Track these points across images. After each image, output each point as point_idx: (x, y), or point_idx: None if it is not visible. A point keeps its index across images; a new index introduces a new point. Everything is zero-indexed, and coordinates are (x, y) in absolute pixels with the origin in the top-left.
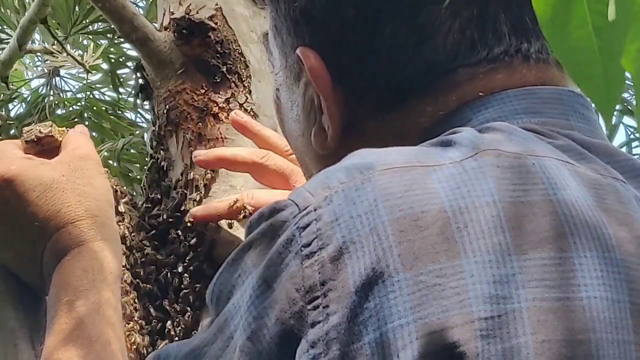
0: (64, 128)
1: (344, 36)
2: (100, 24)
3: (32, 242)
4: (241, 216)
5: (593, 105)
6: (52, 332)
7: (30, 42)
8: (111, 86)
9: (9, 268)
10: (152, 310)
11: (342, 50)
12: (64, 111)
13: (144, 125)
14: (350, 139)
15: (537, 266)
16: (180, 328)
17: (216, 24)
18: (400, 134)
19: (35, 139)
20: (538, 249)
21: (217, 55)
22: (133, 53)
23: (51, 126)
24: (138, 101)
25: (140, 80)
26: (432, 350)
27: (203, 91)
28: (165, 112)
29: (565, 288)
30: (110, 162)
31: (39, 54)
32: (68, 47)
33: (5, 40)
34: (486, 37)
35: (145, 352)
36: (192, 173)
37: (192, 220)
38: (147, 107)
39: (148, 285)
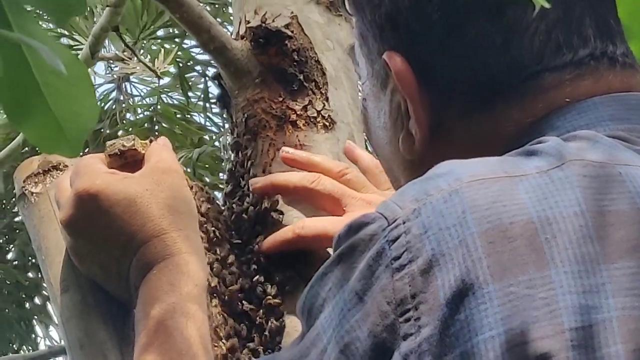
0: (147, 141)
1: (429, 39)
2: (167, 28)
3: (118, 256)
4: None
5: None
6: (140, 345)
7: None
8: (179, 90)
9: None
10: (238, 320)
11: (428, 53)
12: (134, 116)
13: (213, 128)
14: (438, 143)
15: (626, 275)
16: (264, 336)
17: (292, 32)
18: (488, 139)
19: (119, 153)
20: (627, 258)
21: (294, 63)
22: (201, 57)
23: (134, 139)
24: (207, 105)
25: (218, 89)
26: None
27: (281, 99)
28: (243, 120)
29: None
30: (186, 168)
31: (109, 61)
32: (137, 53)
33: (76, 47)
34: (571, 39)
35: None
36: None
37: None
38: (215, 110)
39: (234, 294)
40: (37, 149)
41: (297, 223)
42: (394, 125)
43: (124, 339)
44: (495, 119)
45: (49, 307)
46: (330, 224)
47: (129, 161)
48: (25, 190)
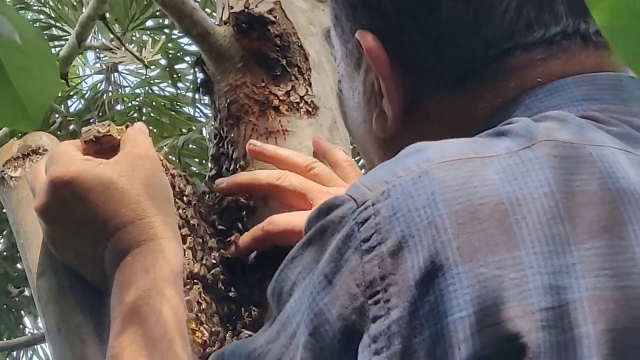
0: (122, 127)
1: (400, 17)
2: (157, 19)
3: (93, 243)
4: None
5: None
6: (115, 332)
7: (88, 39)
8: (169, 81)
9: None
10: (218, 303)
11: (399, 31)
12: (123, 107)
13: (203, 119)
14: (411, 123)
15: (597, 255)
16: (247, 320)
17: (275, 17)
18: (460, 119)
19: (94, 139)
20: (597, 238)
21: (277, 48)
22: (191, 48)
23: (109, 125)
24: (197, 96)
25: (201, 75)
26: (494, 342)
27: (263, 84)
28: (226, 105)
29: (625, 277)
30: (171, 157)
31: (97, 50)
32: (125, 43)
33: (64, 37)
34: (543, 16)
35: (212, 345)
36: (253, 167)
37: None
38: (205, 101)
39: (214, 279)
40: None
41: (266, 220)
42: (368, 104)
43: (101, 325)
44: (468, 99)
45: None
46: (298, 219)
47: (105, 147)
48: (5, 174)
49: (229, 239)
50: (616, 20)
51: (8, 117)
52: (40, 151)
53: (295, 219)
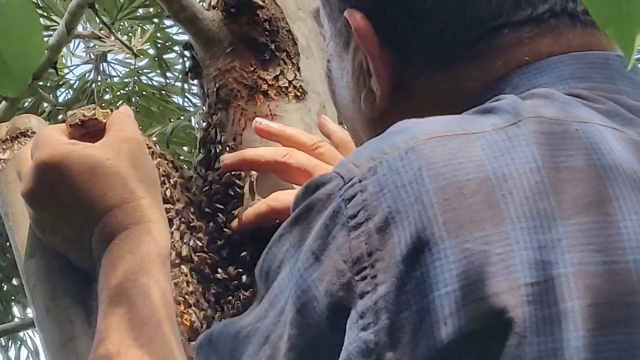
0: (108, 110)
1: None
2: (146, 8)
3: (80, 227)
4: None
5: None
6: (103, 316)
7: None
8: (158, 71)
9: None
10: (206, 286)
11: (387, 9)
12: (112, 96)
13: (192, 109)
14: (399, 101)
15: (582, 230)
16: (236, 303)
17: (264, 1)
18: (449, 97)
19: (79, 123)
20: (583, 214)
21: (266, 33)
22: (179, 37)
23: (94, 109)
24: (185, 85)
25: (190, 60)
26: (480, 317)
27: (252, 69)
28: (215, 90)
29: (611, 252)
30: (161, 145)
31: (86, 39)
32: (115, 32)
33: (52, 27)
34: None
35: (201, 327)
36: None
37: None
38: (194, 91)
39: (201, 261)
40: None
41: (270, 196)
42: (357, 83)
43: (89, 308)
44: (456, 77)
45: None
46: None
47: (91, 131)
48: None
49: (216, 220)
50: None
51: None
52: (28, 134)
53: None
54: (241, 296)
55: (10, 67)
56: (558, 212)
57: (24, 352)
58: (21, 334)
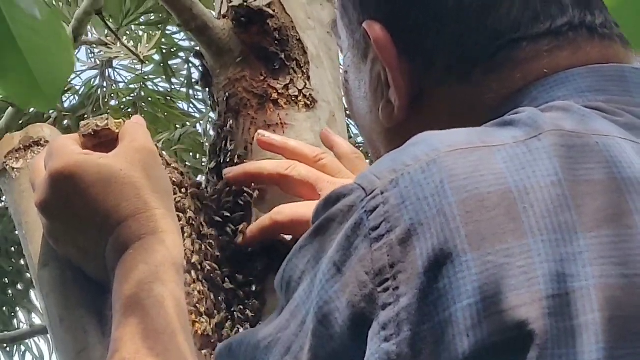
0: (121, 120)
1: (407, 7)
2: (151, 15)
3: (94, 238)
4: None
5: None
6: (117, 326)
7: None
8: (163, 77)
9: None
10: (219, 296)
11: (407, 21)
12: (117, 102)
13: (197, 115)
14: (418, 113)
15: (603, 244)
16: (247, 312)
17: (274, 11)
18: (467, 109)
19: (92, 133)
20: (604, 227)
21: (276, 42)
22: (185, 44)
23: (107, 119)
24: (190, 92)
25: (200, 69)
26: (501, 329)
27: (262, 78)
28: (225, 99)
29: (632, 265)
30: (168, 152)
31: (92, 45)
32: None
33: None
34: (549, 7)
35: (212, 336)
36: (252, 160)
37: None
38: (199, 97)
39: (212, 270)
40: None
41: (273, 210)
42: (374, 94)
43: (102, 319)
44: (474, 90)
45: (32, 293)
46: (305, 209)
47: (103, 141)
48: (7, 165)
49: (226, 228)
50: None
51: (24, 97)
52: (41, 142)
53: (302, 209)
54: (252, 305)
55: (39, 83)
56: (579, 225)
57: (28, 357)
58: (28, 341)
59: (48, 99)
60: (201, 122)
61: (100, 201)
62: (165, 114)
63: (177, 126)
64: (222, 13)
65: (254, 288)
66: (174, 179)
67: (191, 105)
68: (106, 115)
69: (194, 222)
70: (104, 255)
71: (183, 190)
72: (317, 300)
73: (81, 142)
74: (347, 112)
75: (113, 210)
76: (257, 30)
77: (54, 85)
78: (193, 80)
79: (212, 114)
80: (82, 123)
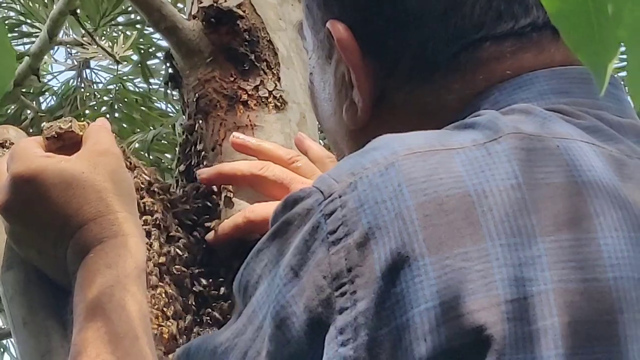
0: (85, 123)
1: (371, 7)
2: (128, 15)
3: (54, 241)
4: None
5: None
6: (79, 330)
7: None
8: (141, 77)
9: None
10: (185, 298)
11: (370, 21)
12: (95, 103)
13: (174, 116)
14: (381, 114)
15: (562, 248)
16: (215, 314)
17: (244, 12)
18: (430, 111)
19: (56, 135)
20: (563, 231)
21: (246, 43)
22: (163, 43)
23: (71, 121)
24: (169, 91)
25: (170, 69)
26: (459, 334)
27: (232, 79)
28: (194, 100)
29: (591, 269)
30: (142, 153)
31: (68, 46)
32: (97, 39)
33: (35, 34)
34: (513, 7)
35: (179, 339)
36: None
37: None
38: (177, 97)
39: (181, 273)
40: None
41: (247, 208)
42: (338, 95)
43: (64, 324)
44: (437, 91)
45: None
46: None
47: (67, 144)
48: None
49: (194, 231)
50: (564, 5)
51: None
52: (7, 145)
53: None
54: (220, 308)
55: None
56: (538, 229)
57: (6, 359)
58: (4, 341)
59: None
60: (177, 121)
61: (61, 204)
62: (142, 115)
63: (154, 127)
64: (192, 14)
65: (222, 291)
66: (141, 181)
67: (169, 105)
68: (70, 117)
69: (162, 224)
70: (64, 258)
71: (151, 192)
72: (274, 305)
73: (44, 145)
74: None
75: (74, 213)
76: (227, 31)
77: None
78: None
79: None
80: (46, 125)
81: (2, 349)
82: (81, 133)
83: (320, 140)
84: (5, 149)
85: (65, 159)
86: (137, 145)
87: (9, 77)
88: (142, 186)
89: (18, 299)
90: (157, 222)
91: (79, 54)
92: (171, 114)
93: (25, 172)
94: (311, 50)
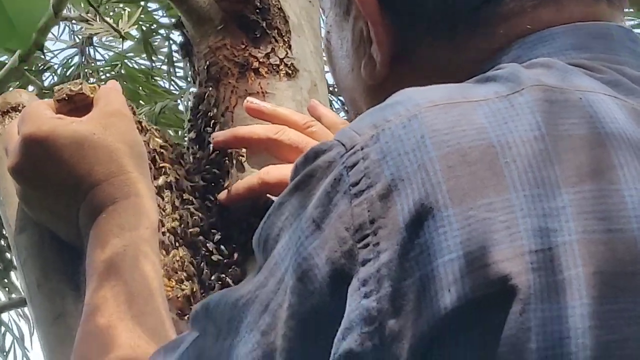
0: (95, 85)
1: None
2: None
3: (66, 202)
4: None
5: None
6: (92, 289)
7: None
8: (143, 55)
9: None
10: (199, 262)
11: None
12: (97, 80)
13: (178, 92)
14: (400, 69)
15: (586, 199)
16: (228, 280)
17: None
18: (450, 66)
19: (67, 98)
20: (587, 182)
21: (257, 10)
22: (165, 21)
23: (81, 84)
24: (171, 69)
25: (181, 37)
26: (483, 284)
27: (243, 47)
28: (205, 68)
29: (616, 220)
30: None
31: (72, 21)
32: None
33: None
34: None
35: (193, 300)
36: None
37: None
38: (180, 74)
39: (195, 236)
40: None
41: (262, 169)
42: (357, 51)
43: (78, 285)
44: (457, 46)
45: (12, 274)
46: None
47: (78, 106)
48: None
49: (207, 195)
50: None
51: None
52: (19, 108)
53: (289, 172)
54: (232, 273)
55: (14, 22)
56: (562, 180)
57: (9, 338)
58: (6, 319)
59: (22, 39)
60: (182, 98)
61: (72, 165)
62: (146, 90)
63: (158, 102)
64: None
65: (235, 256)
66: (153, 144)
67: (172, 83)
68: (80, 80)
69: (174, 186)
70: (77, 219)
71: (163, 155)
72: (296, 257)
73: (55, 107)
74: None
75: (86, 174)
76: None
77: (27, 26)
78: (174, 59)
79: (193, 89)
80: (57, 88)
81: (4, 328)
82: (92, 95)
83: (332, 108)
84: (17, 113)
85: (77, 120)
86: (143, 117)
87: (41, 10)
88: (155, 149)
89: (31, 261)
90: (170, 184)
91: (82, 29)
92: (174, 91)
93: (36, 133)
94: (328, 8)
